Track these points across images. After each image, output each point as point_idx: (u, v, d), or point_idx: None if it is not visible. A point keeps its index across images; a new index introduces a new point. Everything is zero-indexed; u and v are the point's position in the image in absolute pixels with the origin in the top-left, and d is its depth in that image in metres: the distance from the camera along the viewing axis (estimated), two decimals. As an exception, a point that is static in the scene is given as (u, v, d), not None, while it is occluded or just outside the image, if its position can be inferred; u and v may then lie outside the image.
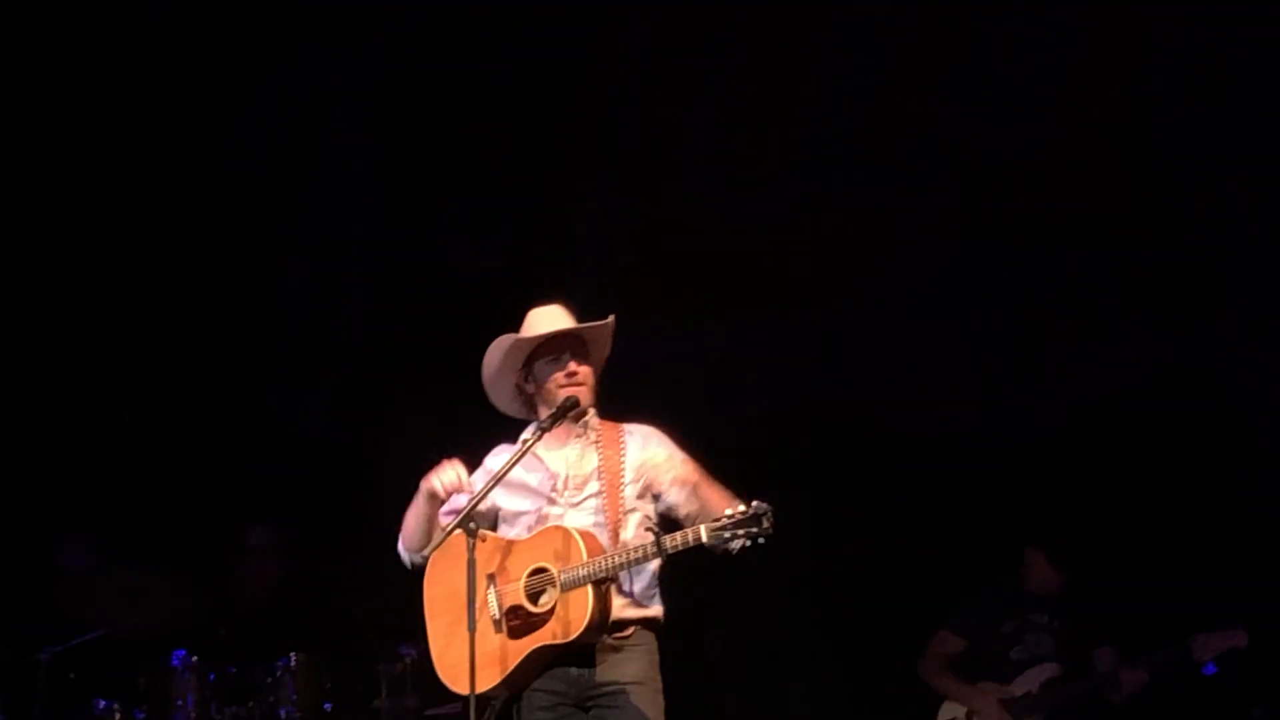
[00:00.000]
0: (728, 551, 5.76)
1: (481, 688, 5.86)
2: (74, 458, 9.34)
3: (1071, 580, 8.24)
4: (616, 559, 5.82)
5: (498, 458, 6.21)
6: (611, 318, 6.20)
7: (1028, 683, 8.10)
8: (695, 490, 5.90)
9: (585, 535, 5.94)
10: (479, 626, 5.84)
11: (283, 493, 9.40)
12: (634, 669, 5.97)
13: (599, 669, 5.93)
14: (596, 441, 6.15)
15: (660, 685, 6.02)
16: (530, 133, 9.47)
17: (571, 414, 6.12)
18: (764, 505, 5.64)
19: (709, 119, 8.91)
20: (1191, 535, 8.01)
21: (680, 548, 5.74)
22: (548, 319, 6.23)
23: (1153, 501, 8.12)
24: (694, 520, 5.85)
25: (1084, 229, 8.24)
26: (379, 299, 9.64)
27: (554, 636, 5.88)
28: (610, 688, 5.94)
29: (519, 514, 6.16)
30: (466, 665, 5.91)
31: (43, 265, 9.42)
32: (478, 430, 6.76)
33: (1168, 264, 8.11)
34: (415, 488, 6.52)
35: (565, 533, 5.97)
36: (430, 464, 6.07)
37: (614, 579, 5.91)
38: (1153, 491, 8.17)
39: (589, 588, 5.84)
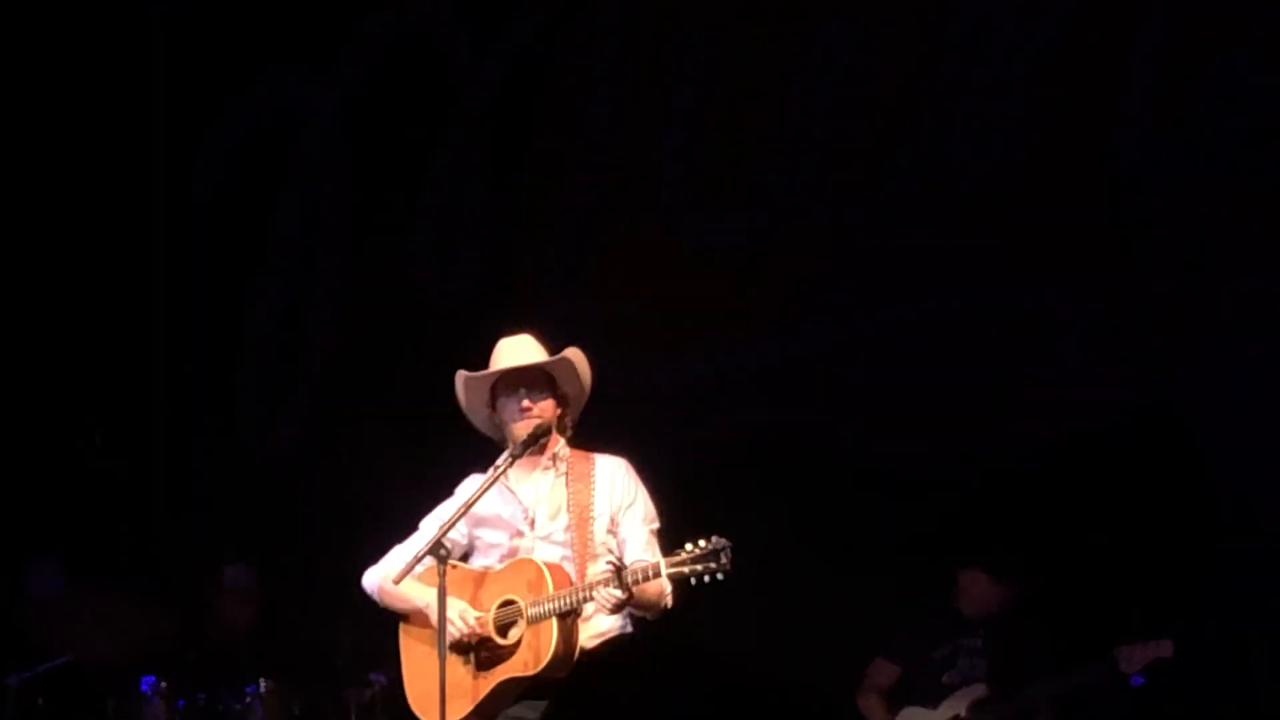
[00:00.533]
0: (685, 584, 5.82)
1: (451, 718, 5.91)
2: (43, 480, 9.35)
3: (1016, 595, 8.23)
4: (581, 593, 5.88)
5: (469, 486, 6.25)
6: (564, 354, 6.23)
7: (955, 706, 8.10)
8: (648, 543, 6.00)
9: (553, 569, 6.01)
10: (449, 658, 5.91)
11: (250, 519, 9.40)
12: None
13: (568, 700, 5.95)
14: (566, 473, 6.20)
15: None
16: (499, 159, 9.51)
17: (538, 444, 6.17)
18: (723, 541, 5.72)
19: (679, 146, 8.95)
20: (1141, 565, 8.05)
21: (639, 581, 5.80)
22: (508, 351, 6.28)
23: (1106, 532, 8.14)
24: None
25: (1052, 261, 8.28)
26: (348, 325, 9.64)
27: (522, 669, 5.95)
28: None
29: (491, 545, 6.23)
30: (435, 695, 5.98)
31: (14, 288, 9.41)
32: (447, 457, 6.81)
33: (1135, 297, 8.13)
34: (384, 515, 6.59)
35: (535, 566, 6.04)
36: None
37: (579, 612, 5.96)
38: (1108, 523, 8.19)
39: (554, 621, 5.91)
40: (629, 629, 6.15)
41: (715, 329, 8.75)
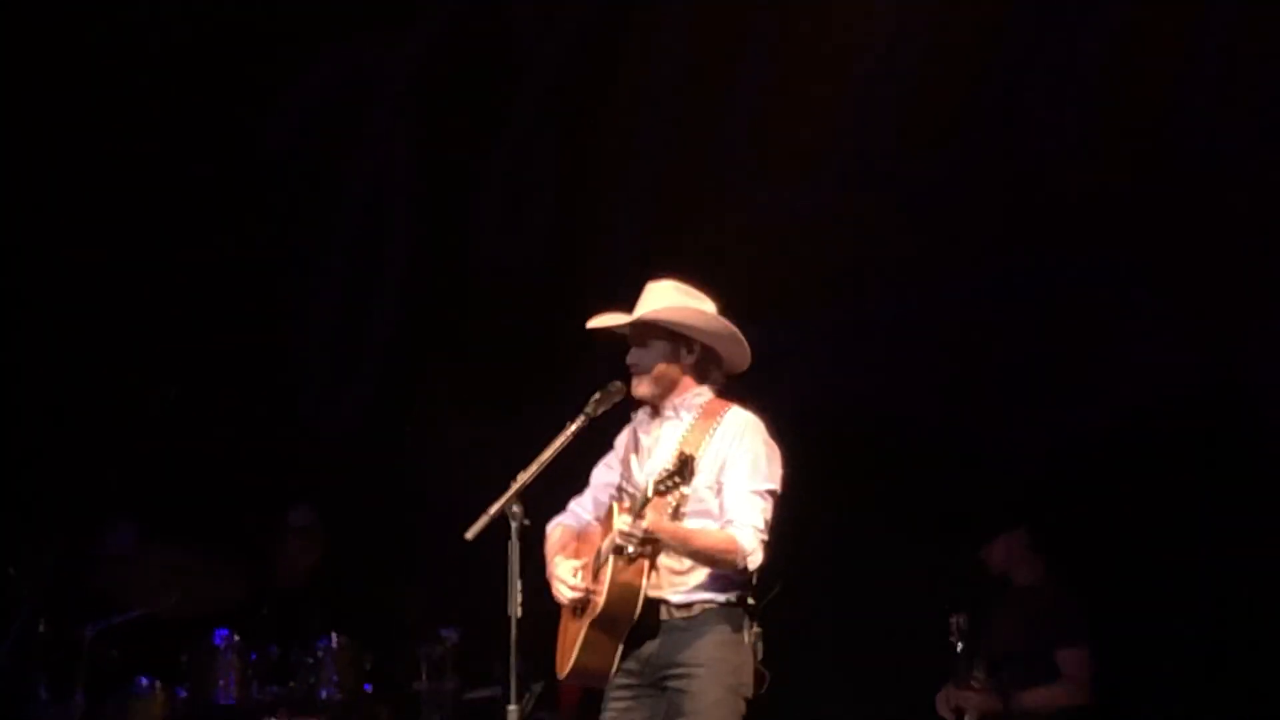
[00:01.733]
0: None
1: (563, 671, 6.05)
2: (118, 439, 9.44)
3: (1050, 567, 8.29)
4: (629, 529, 5.86)
5: (622, 437, 6.31)
6: (636, 315, 6.22)
7: (988, 670, 8.16)
8: (746, 500, 6.01)
9: (624, 510, 6.02)
10: (567, 614, 6.05)
11: (325, 478, 9.51)
12: (700, 651, 5.98)
13: (667, 649, 5.98)
14: (692, 423, 6.17)
15: (735, 665, 6.04)
16: (568, 124, 9.54)
17: (628, 396, 6.19)
18: (687, 454, 5.76)
19: (748, 112, 8.97)
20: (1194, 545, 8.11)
21: (640, 506, 5.81)
22: (648, 296, 6.26)
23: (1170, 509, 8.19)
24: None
25: (1121, 237, 8.29)
26: (416, 289, 9.72)
27: (592, 611, 5.97)
28: (678, 669, 5.96)
29: (614, 491, 6.26)
30: (563, 649, 6.11)
31: (87, 248, 9.52)
32: (515, 419, 6.92)
33: (1203, 276, 8.12)
34: (456, 474, 6.69)
35: (611, 509, 6.09)
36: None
37: (640, 553, 5.97)
38: (1171, 502, 8.23)
39: (610, 559, 5.95)
40: (722, 596, 6.13)
41: (783, 298, 8.77)
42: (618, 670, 6.01)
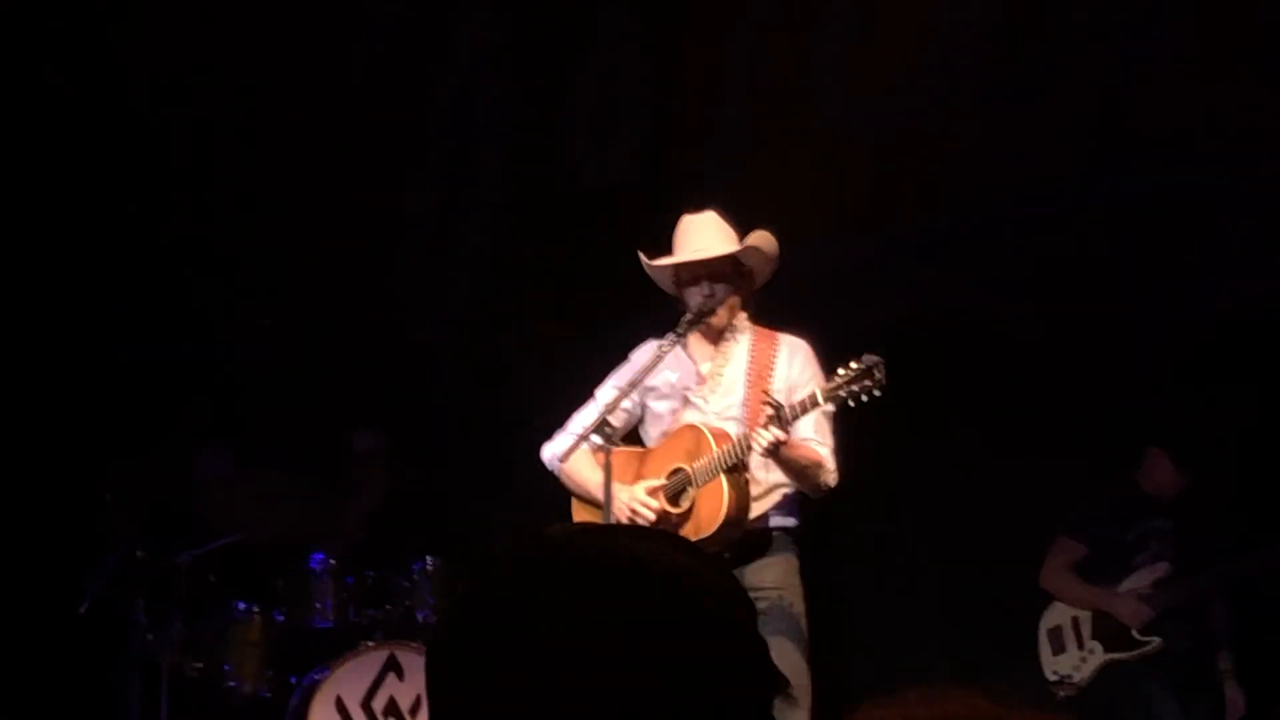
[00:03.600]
0: (844, 406, 5.87)
1: None
2: (211, 364, 9.54)
3: (1192, 484, 8.25)
4: (743, 442, 5.94)
5: (644, 352, 6.36)
6: (749, 242, 6.29)
7: (1137, 581, 8.12)
8: (819, 423, 6.06)
9: (714, 429, 6.08)
10: None
11: (416, 401, 9.56)
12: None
13: (740, 575, 6.05)
14: (750, 347, 6.26)
15: (801, 592, 6.15)
16: (657, 40, 9.52)
17: (710, 323, 6.26)
18: (874, 358, 5.79)
19: (840, 27, 8.93)
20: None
21: (798, 415, 5.86)
22: (692, 233, 6.34)
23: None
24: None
25: (1222, 141, 8.21)
26: (507, 208, 9.74)
27: (695, 531, 6.04)
28: (763, 590, 6.06)
29: (658, 415, 6.34)
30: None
31: (178, 182, 9.58)
32: (608, 338, 6.95)
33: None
34: (546, 394, 6.73)
35: (695, 430, 6.14)
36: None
37: (746, 465, 6.02)
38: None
39: (722, 477, 5.98)
40: (791, 521, 6.22)
41: (873, 211, 8.77)
42: None
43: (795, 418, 5.86)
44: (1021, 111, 8.59)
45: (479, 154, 9.87)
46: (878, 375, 5.75)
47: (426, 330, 9.81)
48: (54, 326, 9.41)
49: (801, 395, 6.00)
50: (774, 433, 5.82)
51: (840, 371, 5.85)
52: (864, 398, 5.80)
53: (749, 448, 5.91)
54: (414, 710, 8.15)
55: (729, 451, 5.98)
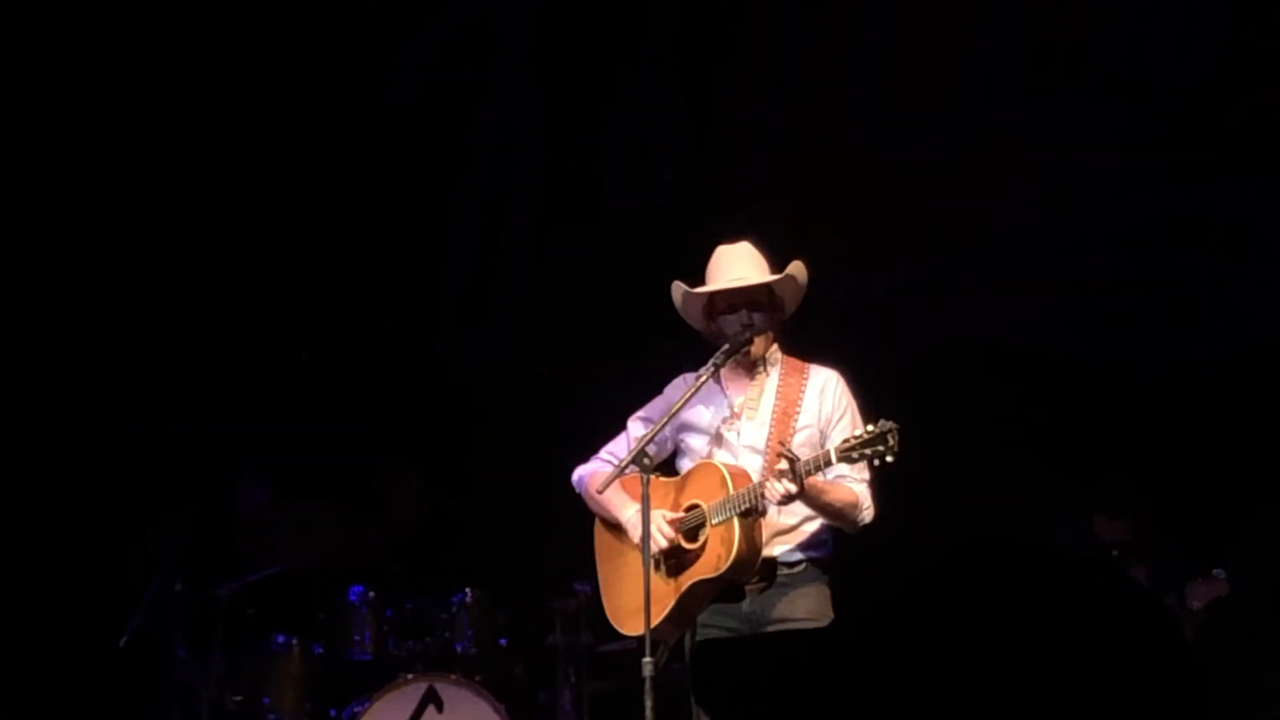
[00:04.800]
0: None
1: (638, 628, 6.06)
2: (250, 396, 9.57)
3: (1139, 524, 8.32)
4: (758, 490, 5.97)
5: (678, 387, 6.37)
6: (788, 272, 6.30)
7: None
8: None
9: (733, 470, 6.12)
10: (634, 569, 6.06)
11: (455, 432, 9.58)
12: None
13: (771, 605, 6.10)
14: (779, 380, 6.28)
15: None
16: (694, 68, 9.55)
17: (749, 351, 6.27)
18: (889, 424, 5.80)
19: (874, 55, 8.94)
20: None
21: (811, 471, 5.88)
22: (727, 263, 6.35)
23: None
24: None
25: (1250, 168, 8.20)
26: (545, 236, 9.76)
27: (708, 570, 6.08)
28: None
29: (695, 450, 6.35)
30: (628, 606, 6.15)
31: (220, 206, 9.64)
32: (644, 366, 6.94)
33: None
34: (582, 425, 6.73)
35: (716, 469, 6.16)
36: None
37: (763, 512, 6.04)
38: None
39: (735, 520, 6.01)
40: (820, 553, 6.22)
41: (913, 238, 8.77)
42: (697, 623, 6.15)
43: (809, 472, 5.89)
44: (1058, 133, 8.57)
45: (516, 182, 9.89)
46: (891, 441, 5.77)
47: (463, 359, 9.82)
48: (97, 364, 9.46)
49: (833, 436, 6.05)
50: (785, 486, 5.87)
51: (856, 433, 5.90)
52: (875, 462, 5.85)
53: (763, 495, 5.95)
54: (452, 742, 8.17)
55: (744, 495, 6.01)
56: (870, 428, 5.84)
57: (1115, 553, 8.29)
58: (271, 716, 8.49)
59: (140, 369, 9.51)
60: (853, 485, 6.11)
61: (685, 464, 6.42)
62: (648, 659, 5.96)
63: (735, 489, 6.06)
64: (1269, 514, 7.86)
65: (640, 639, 6.04)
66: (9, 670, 9.10)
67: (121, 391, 9.45)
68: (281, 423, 9.48)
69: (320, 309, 9.69)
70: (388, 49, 9.98)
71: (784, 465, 5.90)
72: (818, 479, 6.03)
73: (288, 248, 9.72)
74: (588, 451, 6.69)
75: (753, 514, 6.04)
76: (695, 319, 6.44)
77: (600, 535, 6.56)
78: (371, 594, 8.56)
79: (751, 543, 6.05)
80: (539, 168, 9.81)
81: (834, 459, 5.85)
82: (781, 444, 6.07)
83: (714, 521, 6.09)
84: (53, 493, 9.32)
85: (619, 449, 6.39)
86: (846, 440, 5.86)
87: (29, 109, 9.41)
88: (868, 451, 5.80)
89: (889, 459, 5.83)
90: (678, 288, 6.40)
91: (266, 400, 9.58)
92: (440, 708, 8.18)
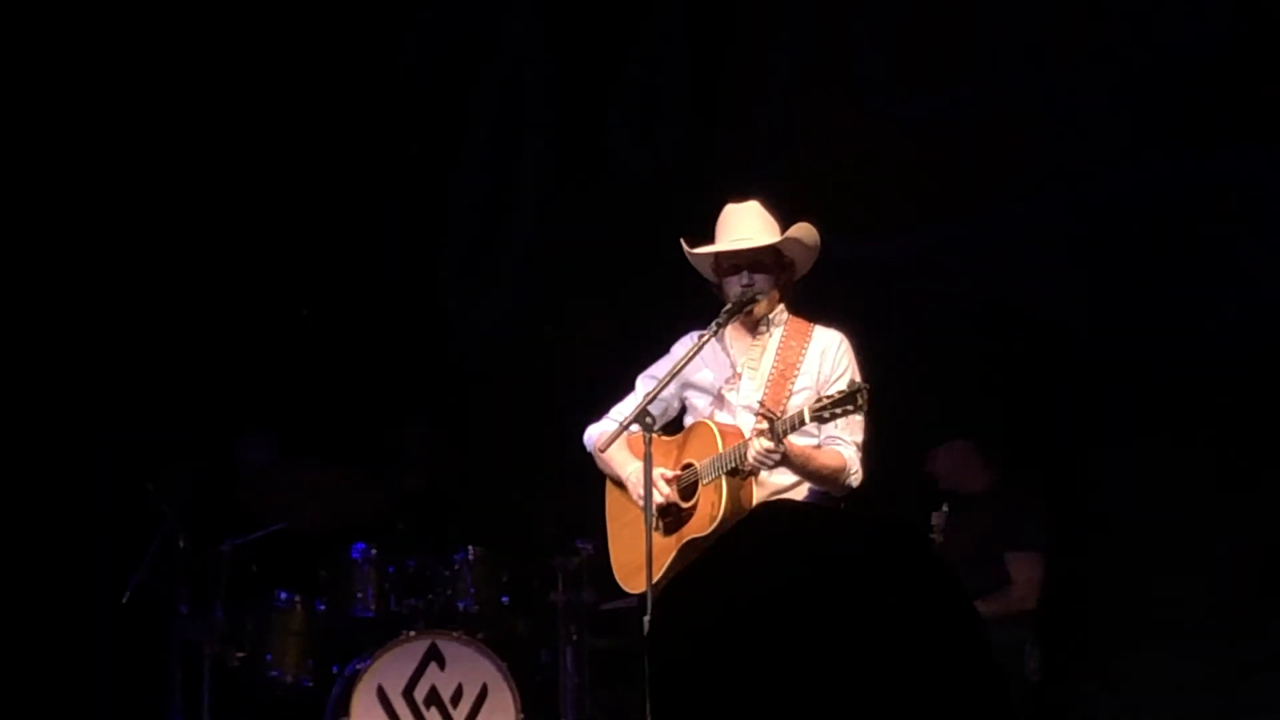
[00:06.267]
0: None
1: (641, 586, 6.11)
2: (256, 356, 9.60)
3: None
4: (741, 448, 6.01)
5: (684, 345, 6.41)
6: (792, 234, 6.33)
7: None
8: (848, 420, 6.08)
9: (725, 429, 6.16)
10: (639, 527, 6.11)
11: (460, 391, 9.61)
12: None
13: None
14: (781, 339, 6.32)
15: None
16: (703, 32, 9.55)
17: (752, 311, 6.30)
18: (859, 383, 5.85)
19: (883, 15, 8.95)
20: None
21: (789, 430, 5.93)
22: (733, 222, 6.38)
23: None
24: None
25: (1266, 133, 8.20)
26: (551, 198, 9.78)
27: (698, 530, 6.15)
28: None
29: (699, 410, 6.40)
30: (632, 563, 6.20)
31: (225, 172, 9.66)
32: (650, 327, 6.98)
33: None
34: (589, 383, 6.77)
35: (707, 427, 6.21)
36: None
37: (753, 472, 6.07)
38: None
39: (722, 479, 6.05)
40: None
41: (920, 203, 8.79)
42: None
43: (786, 431, 5.92)
44: (1068, 102, 8.58)
45: (524, 143, 9.91)
46: (860, 401, 5.81)
47: (471, 319, 9.84)
48: (98, 318, 9.49)
49: (836, 423, 6.08)
50: (763, 444, 5.90)
51: (829, 392, 5.95)
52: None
53: (745, 455, 5.99)
54: (455, 699, 8.21)
55: (730, 454, 6.04)
56: (842, 388, 5.89)
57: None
58: (274, 673, 8.53)
59: (143, 326, 9.53)
60: (841, 449, 6.15)
61: (690, 423, 6.47)
62: (648, 617, 6.00)
63: (724, 448, 6.11)
64: None
65: (642, 596, 6.10)
66: (11, 626, 9.15)
67: (124, 348, 9.48)
68: (285, 380, 9.53)
69: (326, 267, 9.71)
70: (396, 10, 9.99)
71: (763, 425, 5.96)
72: (805, 445, 6.08)
73: (295, 207, 9.74)
74: (591, 411, 6.75)
75: (739, 473, 6.08)
76: (707, 274, 6.49)
77: (610, 494, 6.63)
78: (374, 551, 8.57)
79: (737, 502, 6.08)
80: (546, 128, 9.81)
81: (807, 418, 5.89)
82: (761, 403, 6.12)
83: (704, 481, 6.15)
84: (54, 448, 9.35)
85: (627, 408, 6.44)
86: (819, 400, 5.91)
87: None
88: (838, 411, 5.85)
89: (858, 417, 5.99)
90: (683, 246, 6.44)
91: (270, 358, 9.62)
92: (442, 665, 8.23)
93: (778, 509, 2.89)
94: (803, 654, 2.49)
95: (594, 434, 6.56)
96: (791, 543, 2.60)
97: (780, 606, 2.53)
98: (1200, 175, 8.47)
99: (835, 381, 6.20)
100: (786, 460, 6.01)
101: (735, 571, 2.59)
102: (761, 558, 2.59)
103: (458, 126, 9.98)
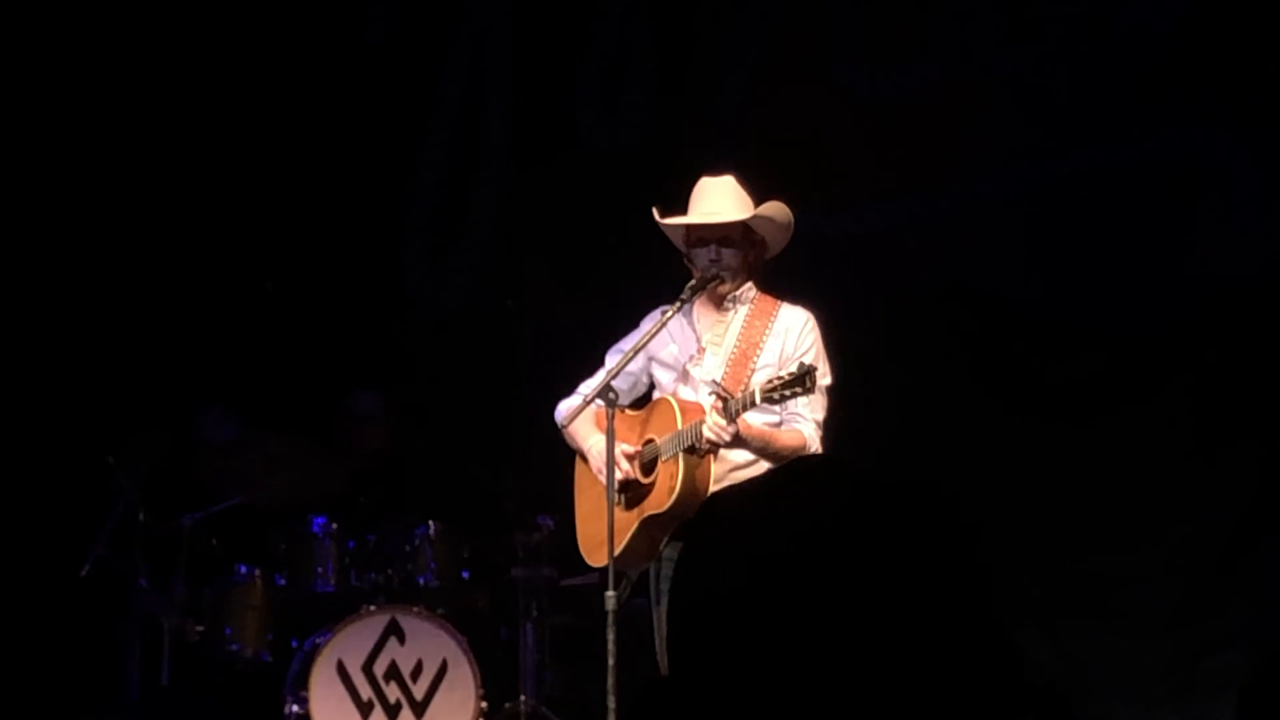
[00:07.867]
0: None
1: (603, 560, 6.12)
2: (216, 329, 9.57)
3: None
4: (697, 426, 6.02)
5: (653, 319, 6.41)
6: (763, 211, 6.33)
7: None
8: (811, 399, 6.10)
9: (685, 405, 6.18)
10: (603, 502, 6.12)
11: (422, 366, 9.60)
12: None
13: None
14: (746, 316, 6.32)
15: None
16: (669, 5, 9.53)
17: (717, 287, 6.30)
18: (808, 366, 5.87)
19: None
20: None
21: (740, 409, 5.94)
22: (707, 196, 6.38)
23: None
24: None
25: (1226, 114, 8.25)
26: (517, 173, 9.77)
27: (655, 507, 6.18)
28: None
29: (664, 385, 6.41)
30: (595, 538, 6.21)
31: (182, 143, 9.62)
32: (617, 302, 6.99)
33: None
34: (552, 358, 6.77)
35: (668, 404, 6.22)
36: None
37: (710, 450, 6.08)
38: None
39: (679, 456, 6.06)
40: None
41: (886, 181, 8.80)
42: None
43: (740, 410, 5.92)
44: (1031, 80, 8.61)
45: (488, 116, 9.88)
46: (809, 383, 5.82)
47: (432, 292, 9.83)
48: (57, 291, 9.45)
49: (798, 400, 6.10)
50: (716, 421, 5.91)
51: (780, 373, 5.96)
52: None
53: (700, 433, 6.00)
54: (415, 674, 8.22)
55: (686, 432, 6.05)
56: (793, 369, 5.90)
57: None
58: (234, 646, 8.53)
59: (103, 297, 9.49)
60: (801, 426, 6.18)
61: (655, 398, 6.49)
62: (610, 593, 6.03)
63: (684, 424, 6.11)
64: None
65: (603, 572, 6.11)
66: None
67: (84, 318, 9.44)
68: (246, 353, 9.50)
69: (287, 241, 9.68)
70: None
71: (717, 404, 5.97)
72: (766, 422, 6.09)
73: (256, 179, 9.71)
74: (558, 386, 6.76)
75: (696, 451, 6.08)
76: (678, 243, 6.49)
77: (579, 468, 6.64)
78: (334, 526, 8.58)
79: (692, 480, 6.09)
80: (510, 99, 9.79)
81: (758, 399, 5.91)
82: (714, 381, 6.13)
83: (663, 457, 6.16)
84: (10, 422, 9.31)
85: (594, 382, 6.45)
86: (770, 381, 5.92)
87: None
88: (787, 392, 5.88)
89: (804, 399, 6.01)
90: (655, 215, 6.44)
91: (230, 330, 9.59)
92: (402, 640, 8.23)
93: (804, 466, 3.01)
94: (819, 613, 2.55)
95: (563, 409, 6.57)
96: (810, 504, 2.66)
97: (798, 566, 2.58)
98: (1162, 151, 8.50)
99: (800, 359, 6.21)
100: (741, 438, 6.02)
101: (757, 532, 2.65)
102: (780, 517, 2.64)
103: (421, 97, 9.94)
